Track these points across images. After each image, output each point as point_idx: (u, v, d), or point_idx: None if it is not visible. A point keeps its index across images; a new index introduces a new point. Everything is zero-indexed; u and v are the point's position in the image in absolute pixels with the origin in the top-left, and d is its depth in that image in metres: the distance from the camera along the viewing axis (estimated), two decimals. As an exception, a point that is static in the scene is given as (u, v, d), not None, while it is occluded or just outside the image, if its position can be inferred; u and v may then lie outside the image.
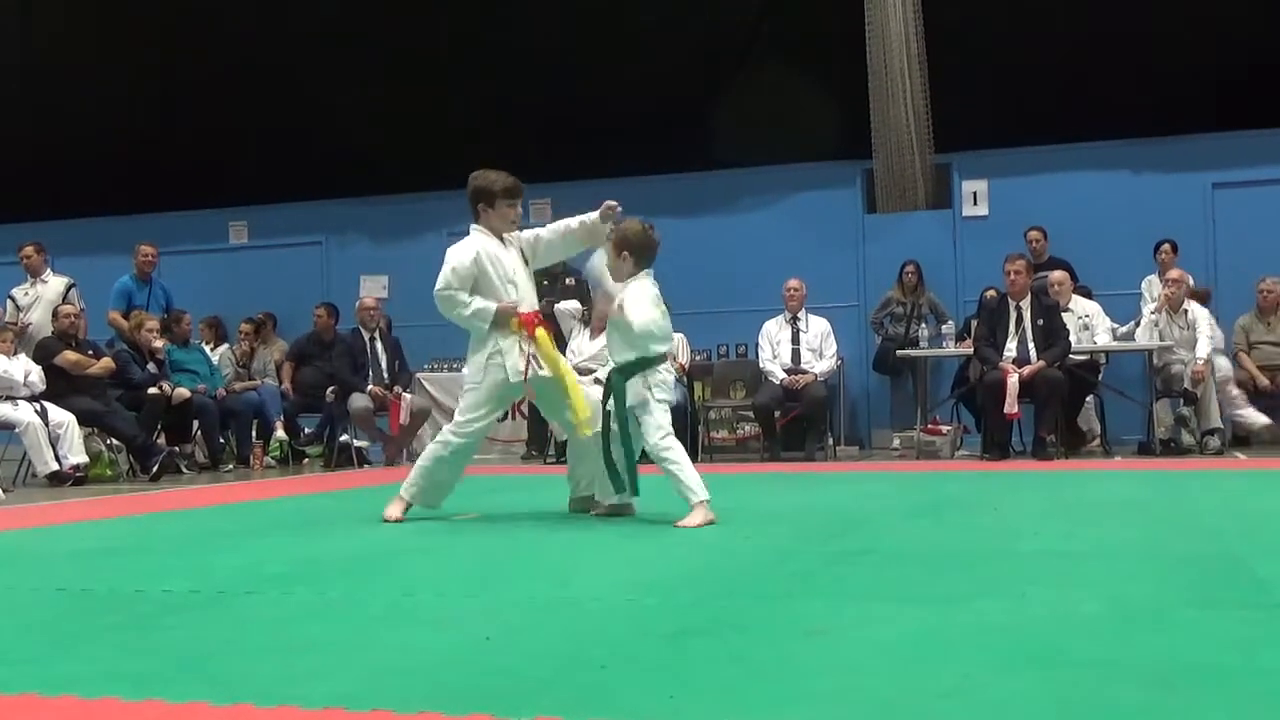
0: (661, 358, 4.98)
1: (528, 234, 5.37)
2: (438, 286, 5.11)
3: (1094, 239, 10.42)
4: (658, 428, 4.82)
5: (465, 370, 5.32)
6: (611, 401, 4.90)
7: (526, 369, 5.09)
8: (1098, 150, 10.79)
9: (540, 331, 5.15)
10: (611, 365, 4.99)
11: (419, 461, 5.31)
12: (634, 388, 4.88)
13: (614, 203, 5.22)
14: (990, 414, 8.74)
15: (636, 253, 4.95)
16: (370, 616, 2.92)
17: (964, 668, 2.22)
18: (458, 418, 5.23)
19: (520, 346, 5.09)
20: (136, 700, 2.11)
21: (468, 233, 5.30)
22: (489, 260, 5.12)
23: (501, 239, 5.25)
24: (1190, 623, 2.64)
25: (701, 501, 4.70)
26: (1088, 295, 9.89)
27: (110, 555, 4.36)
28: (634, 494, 5.00)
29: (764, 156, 11.18)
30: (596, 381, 5.68)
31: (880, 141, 11.01)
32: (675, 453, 4.79)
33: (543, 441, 10.11)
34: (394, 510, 5.16)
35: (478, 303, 5.08)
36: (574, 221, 5.31)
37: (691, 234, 11.33)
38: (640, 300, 4.88)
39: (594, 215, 5.24)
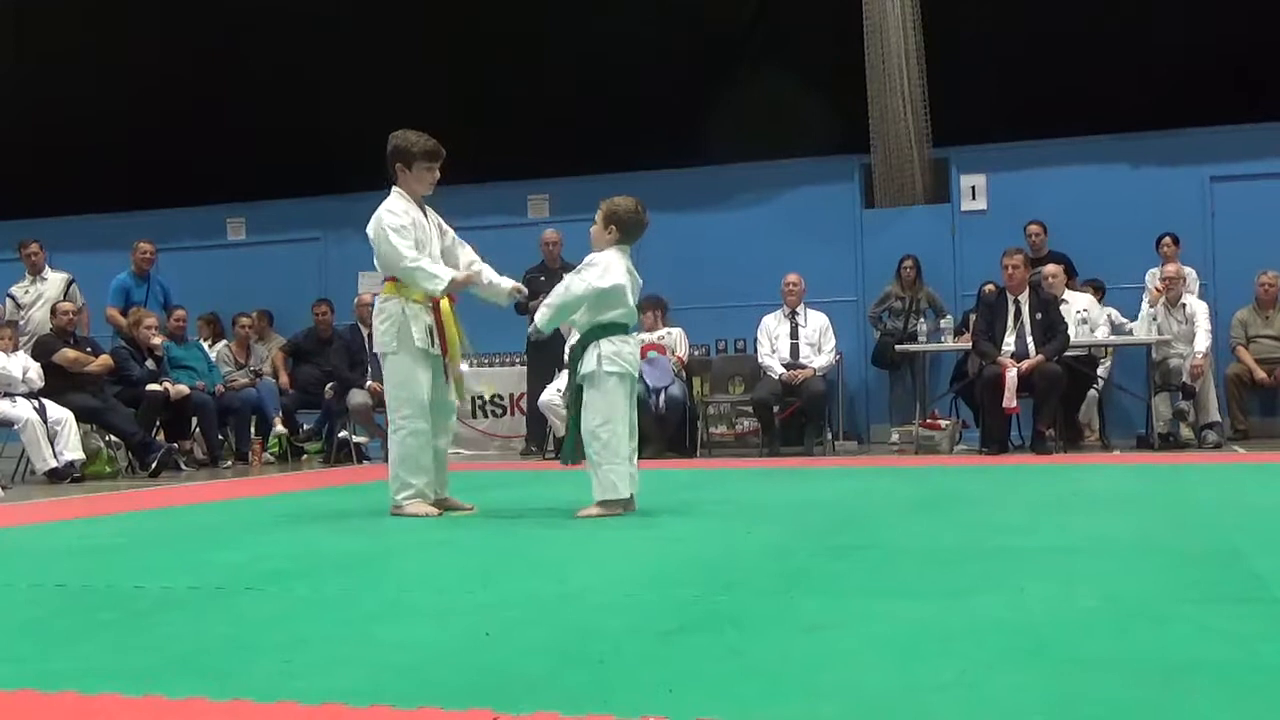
0: (621, 327, 4.96)
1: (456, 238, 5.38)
2: (388, 248, 5.03)
3: (1093, 233, 10.43)
4: (596, 412, 4.81)
5: (376, 345, 5.27)
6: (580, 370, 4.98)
7: (430, 340, 5.10)
8: (1096, 144, 10.80)
9: (444, 304, 5.13)
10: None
11: (391, 465, 5.23)
12: (589, 357, 4.89)
13: (523, 289, 5.42)
14: (989, 408, 8.75)
15: (622, 228, 4.99)
16: (369, 612, 2.93)
17: (962, 663, 2.22)
18: (393, 412, 5.17)
19: (426, 315, 5.09)
20: (135, 696, 2.11)
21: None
22: (414, 222, 5.12)
23: (421, 206, 5.24)
24: (1188, 618, 2.64)
25: (607, 500, 4.71)
26: (1100, 289, 9.91)
27: (109, 552, 4.36)
28: (571, 461, 5.06)
29: (762, 151, 11.18)
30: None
31: (878, 136, 11.01)
32: (604, 447, 4.77)
33: (542, 437, 10.11)
34: (418, 508, 5.11)
35: (432, 265, 5.04)
36: (492, 276, 5.38)
37: (690, 229, 11.34)
38: (600, 265, 4.93)
39: (506, 284, 5.35)
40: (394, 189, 5.23)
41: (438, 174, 5.27)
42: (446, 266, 5.17)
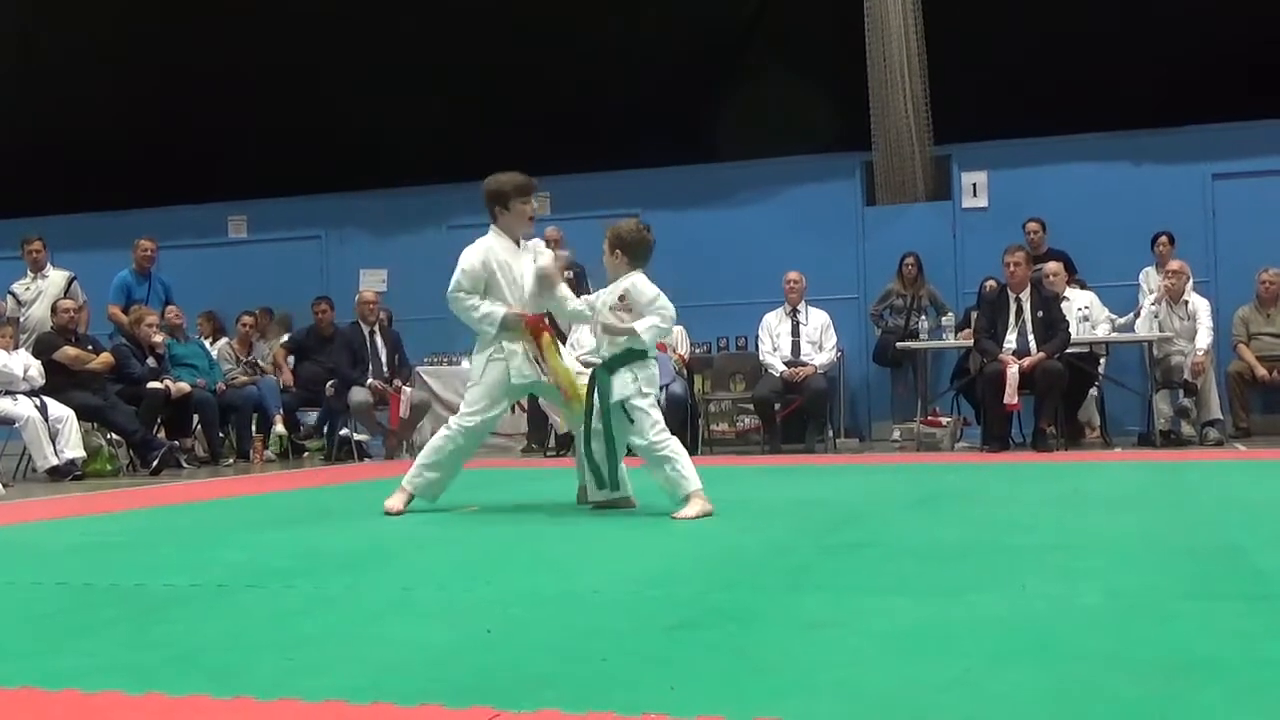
0: (641, 353, 4.97)
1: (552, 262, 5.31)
2: (450, 289, 5.20)
3: (1094, 230, 10.43)
4: (654, 424, 4.82)
5: (470, 365, 5.37)
6: (596, 396, 4.90)
7: (538, 369, 5.15)
8: (1097, 141, 10.79)
9: (546, 336, 5.20)
10: (599, 360, 5.00)
11: (422, 454, 5.33)
12: (622, 381, 4.87)
13: (550, 265, 5.22)
14: (990, 406, 8.75)
15: (628, 251, 5.01)
16: (371, 610, 2.93)
17: (964, 660, 2.22)
18: (462, 409, 5.29)
19: (525, 349, 5.14)
20: (138, 694, 2.11)
21: (471, 227, 5.34)
22: (497, 263, 5.19)
23: (517, 241, 5.29)
24: (1190, 614, 2.64)
25: (695, 491, 4.71)
26: (1082, 288, 9.90)
27: (111, 549, 4.36)
28: (614, 490, 4.98)
29: (763, 149, 11.18)
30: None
31: (880, 133, 11.00)
32: (672, 448, 4.78)
33: (543, 435, 10.12)
34: (395, 502, 5.19)
35: (486, 306, 5.14)
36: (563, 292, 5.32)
37: (691, 227, 11.34)
38: (649, 292, 4.94)
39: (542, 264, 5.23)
40: (491, 228, 5.31)
41: (534, 205, 5.35)
42: (500, 307, 5.12)
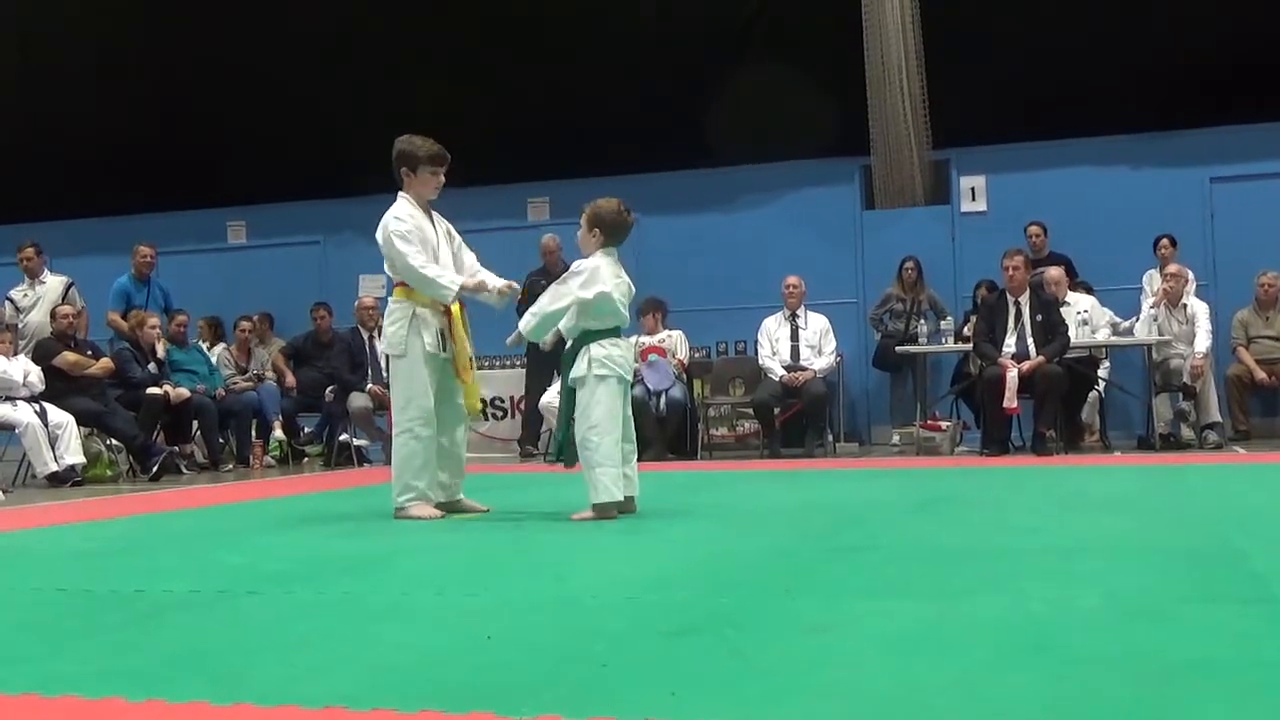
0: (611, 331, 4.97)
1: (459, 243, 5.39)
2: (396, 246, 5.07)
3: (1093, 234, 10.43)
4: (587, 417, 4.82)
5: (385, 347, 5.25)
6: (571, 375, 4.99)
7: (443, 344, 5.15)
8: (1096, 145, 10.79)
9: (455, 308, 5.19)
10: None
11: (396, 471, 5.22)
12: (580, 362, 4.91)
13: (515, 286, 5.32)
14: (989, 409, 8.75)
15: (606, 230, 5.01)
16: (370, 615, 2.93)
17: (963, 663, 2.22)
18: (396, 413, 5.20)
19: (438, 322, 5.14)
20: (137, 700, 2.11)
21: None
22: (418, 230, 5.16)
23: (427, 210, 5.28)
24: (1189, 617, 2.64)
25: (600, 504, 4.72)
26: (1088, 291, 9.90)
27: (111, 555, 4.36)
28: (570, 464, 5.04)
29: (762, 153, 11.18)
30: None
31: (878, 137, 11.01)
32: (595, 451, 4.78)
33: (538, 439, 10.12)
34: (423, 510, 5.13)
35: (447, 272, 5.08)
36: (495, 282, 5.31)
37: (690, 231, 11.34)
38: (585, 273, 4.95)
39: (496, 283, 5.25)
40: (400, 194, 5.29)
41: (443, 178, 5.33)
42: (454, 273, 5.20)
